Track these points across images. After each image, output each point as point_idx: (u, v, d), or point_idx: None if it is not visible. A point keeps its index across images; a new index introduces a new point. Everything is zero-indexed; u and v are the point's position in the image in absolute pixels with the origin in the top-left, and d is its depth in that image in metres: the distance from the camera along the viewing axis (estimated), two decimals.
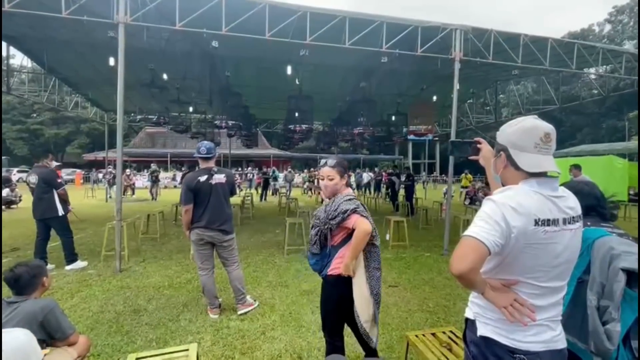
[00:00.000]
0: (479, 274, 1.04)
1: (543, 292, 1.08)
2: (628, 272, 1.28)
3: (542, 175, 1.09)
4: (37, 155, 4.83)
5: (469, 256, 0.99)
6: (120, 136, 4.76)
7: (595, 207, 1.70)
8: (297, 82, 9.17)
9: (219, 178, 3.26)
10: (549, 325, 1.10)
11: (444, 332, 2.02)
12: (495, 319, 1.12)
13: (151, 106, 7.92)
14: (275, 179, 18.26)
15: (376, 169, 22.74)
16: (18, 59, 9.60)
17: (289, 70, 7.82)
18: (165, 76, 8.32)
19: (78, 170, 28.44)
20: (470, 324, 1.22)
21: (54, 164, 5.05)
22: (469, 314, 1.24)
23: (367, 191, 18.49)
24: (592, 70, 9.35)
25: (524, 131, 1.11)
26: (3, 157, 12.22)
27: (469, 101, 13.88)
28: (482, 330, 1.15)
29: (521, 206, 1.02)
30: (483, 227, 1.01)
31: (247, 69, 8.97)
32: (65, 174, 26.23)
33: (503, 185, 1.18)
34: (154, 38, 6.32)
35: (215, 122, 9.63)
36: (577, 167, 6.13)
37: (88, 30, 6.20)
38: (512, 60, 6.23)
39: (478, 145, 1.49)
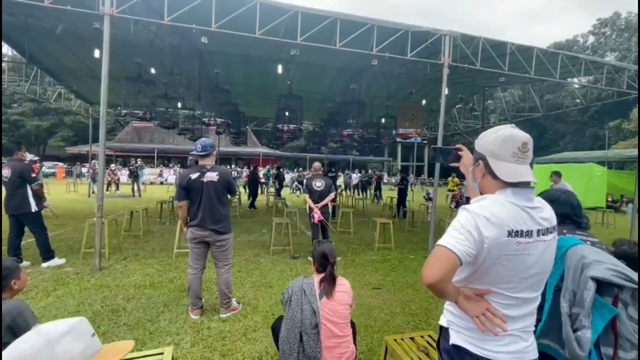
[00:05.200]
0: (450, 283, 1.04)
1: (515, 302, 1.09)
2: (597, 281, 1.32)
3: (518, 185, 1.10)
4: (10, 148, 4.63)
5: (440, 266, 0.99)
6: (104, 130, 4.63)
7: (571, 216, 1.75)
8: (287, 82, 9.13)
9: (211, 176, 3.19)
10: (520, 336, 1.10)
11: (422, 336, 2.04)
12: (468, 328, 1.13)
13: (138, 100, 7.75)
14: (268, 178, 17.01)
15: (369, 171, 22.82)
16: None
17: (279, 69, 7.78)
18: (152, 70, 8.15)
19: (60, 164, 27.64)
20: (444, 331, 1.23)
21: (29, 155, 4.87)
22: (442, 321, 1.25)
23: (356, 192, 18.56)
24: (575, 80, 9.63)
25: (501, 140, 1.12)
26: None
27: (457, 106, 14.11)
28: (455, 339, 1.16)
29: (494, 216, 1.02)
30: (455, 237, 1.01)
31: (237, 66, 8.88)
32: (47, 167, 25.45)
33: (481, 194, 1.20)
34: (141, 31, 6.18)
35: (204, 119, 9.48)
36: (557, 174, 6.30)
37: (72, 20, 6.02)
38: (499, 67, 6.36)
39: (459, 153, 1.50)
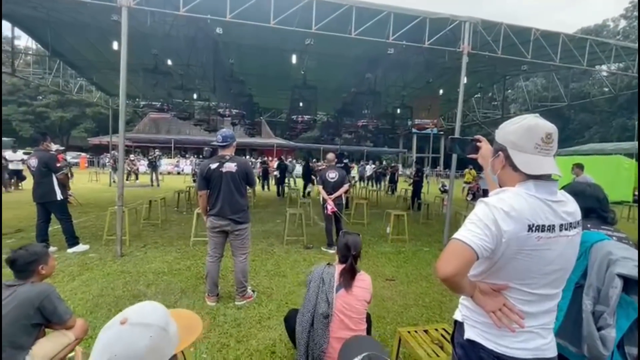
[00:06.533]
0: (465, 278, 1.02)
1: (534, 299, 1.06)
2: (625, 278, 1.26)
3: (541, 177, 1.05)
4: (36, 139, 4.83)
5: (455, 260, 0.97)
6: (123, 121, 4.75)
7: (596, 210, 1.68)
8: (301, 72, 9.07)
9: (229, 166, 3.23)
10: (539, 333, 1.07)
11: (436, 329, 2.02)
12: (483, 323, 1.11)
13: (155, 92, 7.91)
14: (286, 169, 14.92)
15: (384, 162, 22.58)
16: (23, 40, 9.57)
17: (293, 59, 7.72)
18: (169, 62, 8.26)
19: (83, 154, 28.64)
20: (458, 325, 1.21)
21: (54, 146, 5.06)
22: (457, 315, 1.23)
23: (370, 184, 18.45)
24: (604, 67, 9.13)
25: (524, 130, 1.07)
26: (8, 139, 12.27)
27: (476, 96, 13.68)
28: (469, 333, 1.14)
29: (514, 210, 0.99)
30: (472, 230, 0.99)
31: (251, 57, 8.87)
32: (70, 157, 26.44)
33: (500, 187, 1.15)
34: (158, 23, 6.24)
35: (219, 110, 9.57)
36: (579, 167, 6.04)
37: (91, 13, 6.13)
38: (522, 55, 6.09)
39: (477, 144, 1.45)
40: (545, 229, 1.01)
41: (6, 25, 8.04)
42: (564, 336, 1.44)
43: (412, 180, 11.16)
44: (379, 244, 6.03)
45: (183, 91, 9.03)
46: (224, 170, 3.22)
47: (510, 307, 1.04)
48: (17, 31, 8.28)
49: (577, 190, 1.79)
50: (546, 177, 1.05)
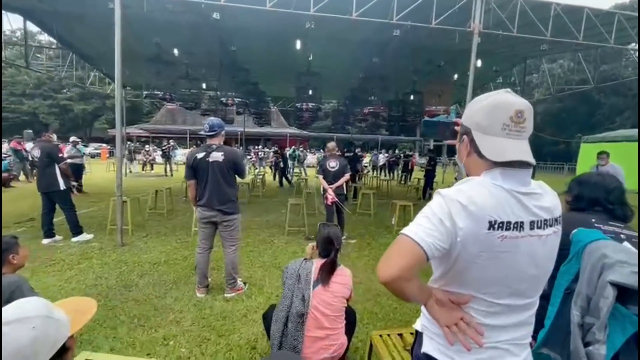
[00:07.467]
0: (412, 282, 0.85)
1: (500, 310, 0.88)
2: (620, 287, 1.06)
3: (511, 165, 0.86)
4: (38, 130, 4.92)
5: (400, 261, 0.81)
6: (119, 111, 4.75)
7: (602, 202, 1.46)
8: (309, 59, 8.81)
9: (216, 156, 3.14)
10: (508, 349, 0.90)
11: (411, 333, 1.86)
12: (442, 336, 0.94)
13: (159, 81, 7.92)
14: (293, 159, 15.32)
15: (397, 150, 22.02)
16: (46, 34, 9.69)
17: (297, 45, 7.48)
18: (172, 51, 8.20)
19: (104, 145, 29.59)
20: (418, 336, 1.06)
21: (55, 137, 5.15)
22: (417, 325, 1.07)
23: (383, 173, 18.09)
24: (636, 45, 8.36)
25: (490, 109, 0.87)
26: (28, 131, 12.72)
27: (497, 80, 12.94)
28: (427, 347, 0.98)
29: (473, 203, 0.81)
30: (423, 225, 0.82)
31: (255, 44, 8.66)
32: (92, 148, 27.40)
33: (468, 177, 0.97)
34: (158, 11, 6.15)
35: (222, 98, 9.47)
36: (604, 154, 5.53)
37: (92, 3, 6.11)
38: (541, 33, 5.62)
39: (456, 128, 1.26)
40: (511, 226, 0.83)
41: (19, 18, 8.22)
42: (554, 347, 1.26)
43: (424, 170, 10.80)
44: (383, 235, 5.85)
45: (187, 80, 8.99)
46: (210, 159, 3.12)
47: (467, 321, 0.87)
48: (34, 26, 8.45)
49: (583, 179, 1.59)
50: (518, 165, 0.86)
